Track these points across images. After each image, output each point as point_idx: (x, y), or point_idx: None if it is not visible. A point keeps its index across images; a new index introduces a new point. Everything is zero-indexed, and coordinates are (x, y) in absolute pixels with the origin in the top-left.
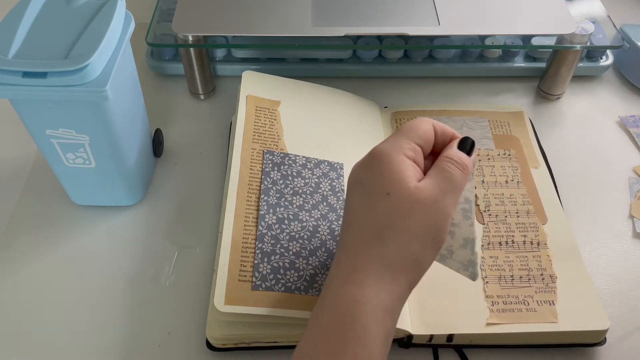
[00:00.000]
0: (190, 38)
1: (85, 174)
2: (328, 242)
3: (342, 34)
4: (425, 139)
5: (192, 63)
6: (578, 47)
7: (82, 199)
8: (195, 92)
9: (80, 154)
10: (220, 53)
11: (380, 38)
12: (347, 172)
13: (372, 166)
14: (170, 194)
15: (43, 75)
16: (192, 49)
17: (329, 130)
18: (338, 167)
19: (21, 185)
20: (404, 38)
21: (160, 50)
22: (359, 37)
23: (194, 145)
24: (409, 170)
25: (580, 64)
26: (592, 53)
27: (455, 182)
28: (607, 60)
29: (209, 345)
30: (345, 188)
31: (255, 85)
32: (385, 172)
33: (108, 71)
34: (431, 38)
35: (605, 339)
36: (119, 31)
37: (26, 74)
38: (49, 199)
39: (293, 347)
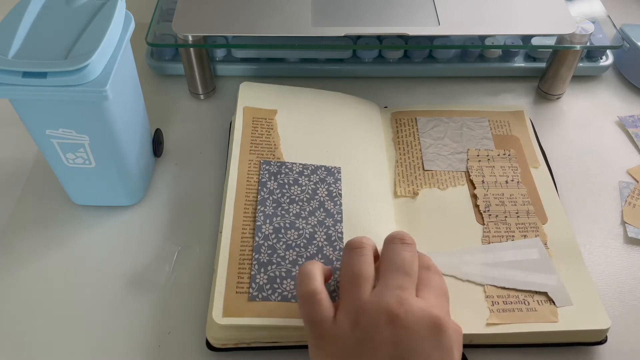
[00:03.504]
0: (190, 38)
1: (85, 174)
2: (325, 249)
3: (342, 34)
4: None
5: (192, 63)
6: (578, 47)
7: (82, 199)
8: (195, 92)
9: (80, 154)
10: (220, 53)
11: (380, 38)
12: (345, 175)
13: (440, 343)
14: (170, 194)
15: (43, 75)
16: (192, 49)
17: (326, 134)
18: (335, 171)
19: (21, 185)
20: (404, 38)
21: (160, 50)
22: (359, 37)
23: (194, 145)
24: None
25: (580, 64)
26: (592, 53)
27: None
28: (607, 60)
29: (209, 345)
30: (342, 191)
31: (252, 97)
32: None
33: (108, 71)
34: (431, 38)
35: (606, 337)
36: (119, 31)
37: (26, 74)
38: (49, 199)
39: (293, 347)
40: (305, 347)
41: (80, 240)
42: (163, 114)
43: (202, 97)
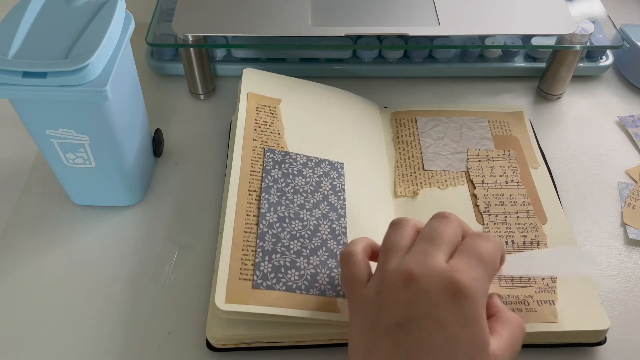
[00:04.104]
0: (190, 38)
1: (85, 174)
2: (329, 242)
3: (342, 34)
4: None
5: (192, 63)
6: (578, 47)
7: (82, 199)
8: (195, 92)
9: (80, 154)
10: (220, 53)
11: (380, 38)
12: (347, 172)
13: (460, 311)
14: (170, 194)
15: (43, 75)
16: (192, 49)
17: (329, 129)
18: (339, 166)
19: (21, 185)
20: (404, 38)
21: (160, 50)
22: (359, 37)
23: (194, 145)
24: (487, 330)
25: (580, 64)
26: (592, 53)
27: (517, 353)
28: (607, 60)
29: (209, 345)
30: (345, 187)
31: (255, 83)
32: (474, 330)
33: (108, 71)
34: (431, 38)
35: (606, 338)
36: (119, 31)
37: (26, 74)
38: (49, 199)
39: (293, 347)
40: (306, 347)
41: (80, 240)
42: (163, 114)
43: (202, 97)
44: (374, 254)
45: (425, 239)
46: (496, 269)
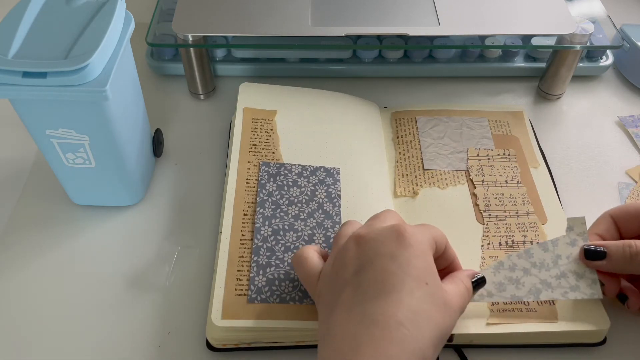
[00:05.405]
0: (190, 38)
1: (85, 174)
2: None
3: (342, 34)
4: (438, 250)
5: (192, 63)
6: (578, 47)
7: (82, 199)
8: (195, 92)
9: (80, 154)
10: (220, 53)
11: (380, 38)
12: (343, 176)
13: (409, 246)
14: (170, 194)
15: (43, 75)
16: (192, 49)
17: (326, 134)
18: (334, 172)
19: (21, 185)
20: (404, 38)
21: (160, 50)
22: (359, 37)
23: (194, 145)
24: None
25: (580, 64)
26: (592, 53)
27: (464, 306)
28: (607, 60)
29: (209, 345)
30: (341, 193)
31: (251, 97)
32: (424, 260)
33: (108, 71)
34: (431, 38)
35: (606, 338)
36: (119, 31)
37: (26, 74)
38: (49, 199)
39: (293, 347)
40: (305, 347)
41: (80, 240)
42: (163, 114)
43: (202, 97)
44: (324, 257)
45: (369, 220)
46: (441, 239)
